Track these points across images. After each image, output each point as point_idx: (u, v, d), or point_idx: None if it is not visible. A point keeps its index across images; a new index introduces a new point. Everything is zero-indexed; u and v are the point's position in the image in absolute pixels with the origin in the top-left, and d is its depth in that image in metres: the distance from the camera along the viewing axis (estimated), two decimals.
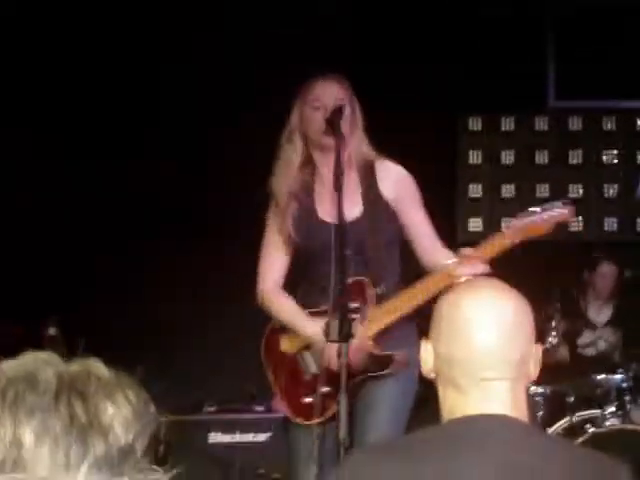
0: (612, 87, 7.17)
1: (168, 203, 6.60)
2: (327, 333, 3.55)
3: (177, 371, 6.29)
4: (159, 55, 6.60)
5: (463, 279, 3.46)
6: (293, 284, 4.16)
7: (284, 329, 4.06)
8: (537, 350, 2.10)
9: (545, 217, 3.79)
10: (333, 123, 3.83)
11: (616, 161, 7.28)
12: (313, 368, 3.98)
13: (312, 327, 3.89)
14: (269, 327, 4.12)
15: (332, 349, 3.66)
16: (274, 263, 4.12)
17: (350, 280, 3.76)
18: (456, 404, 2.05)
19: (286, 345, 4.06)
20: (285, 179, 4.04)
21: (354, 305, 3.81)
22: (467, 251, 3.80)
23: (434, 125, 6.99)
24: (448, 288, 3.50)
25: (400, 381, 3.92)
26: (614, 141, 7.31)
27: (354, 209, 3.92)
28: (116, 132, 6.66)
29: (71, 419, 1.23)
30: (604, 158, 7.30)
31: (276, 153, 4.09)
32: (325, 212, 3.97)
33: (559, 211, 3.80)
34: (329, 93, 3.95)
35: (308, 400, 3.94)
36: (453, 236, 7.34)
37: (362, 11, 6.53)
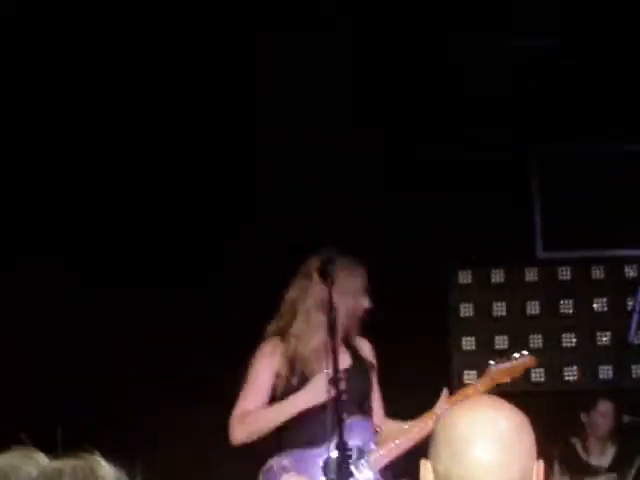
0: (598, 237, 7.27)
1: None
2: (325, 471, 3.56)
3: None
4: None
5: None
6: None
7: None
8: (539, 467, 2.03)
9: (509, 365, 4.36)
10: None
11: (606, 309, 7.32)
12: None
13: (303, 394, 4.04)
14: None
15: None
16: (256, 399, 4.21)
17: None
18: None
19: None
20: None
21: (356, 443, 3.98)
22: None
23: (426, 280, 7.03)
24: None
25: None
26: (604, 289, 7.36)
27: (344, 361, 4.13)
28: None
29: None
30: (595, 306, 7.33)
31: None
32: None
33: (522, 360, 4.41)
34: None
35: None
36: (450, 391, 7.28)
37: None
